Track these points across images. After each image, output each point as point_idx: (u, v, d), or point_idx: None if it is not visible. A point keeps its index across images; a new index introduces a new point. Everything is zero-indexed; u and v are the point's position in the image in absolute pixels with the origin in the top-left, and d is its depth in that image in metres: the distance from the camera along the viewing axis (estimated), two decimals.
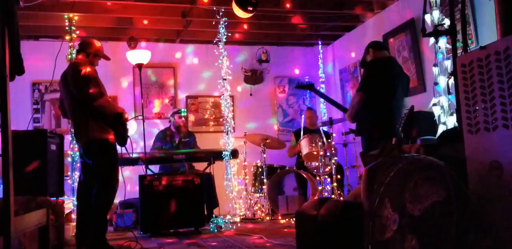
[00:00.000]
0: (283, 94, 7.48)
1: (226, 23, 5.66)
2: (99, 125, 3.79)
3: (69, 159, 5.03)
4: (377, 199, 2.00)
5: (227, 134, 5.61)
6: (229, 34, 5.77)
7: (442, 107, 4.32)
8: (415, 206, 1.77)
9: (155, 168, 5.85)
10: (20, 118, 6.03)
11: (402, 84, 4.20)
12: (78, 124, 3.86)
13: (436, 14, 4.47)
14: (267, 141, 6.03)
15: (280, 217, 5.52)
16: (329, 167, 5.49)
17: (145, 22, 6.23)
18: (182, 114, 6.12)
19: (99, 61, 4.09)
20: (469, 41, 4.30)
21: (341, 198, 4.73)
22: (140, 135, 5.85)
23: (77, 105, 3.81)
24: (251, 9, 5.20)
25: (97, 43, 4.04)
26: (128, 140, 3.99)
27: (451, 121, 4.12)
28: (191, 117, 7.12)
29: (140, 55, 5.35)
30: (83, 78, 3.74)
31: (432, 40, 4.54)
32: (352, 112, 4.24)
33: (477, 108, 1.78)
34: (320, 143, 5.47)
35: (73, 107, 3.85)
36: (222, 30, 5.68)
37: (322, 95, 5.31)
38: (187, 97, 7.16)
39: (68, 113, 3.97)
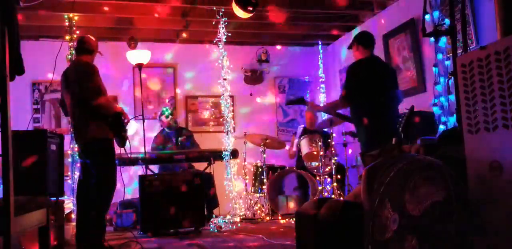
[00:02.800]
0: (283, 94, 7.48)
1: (226, 23, 5.66)
2: (99, 124, 3.79)
3: (69, 159, 5.03)
4: (377, 199, 2.00)
5: (227, 134, 5.61)
6: (229, 34, 5.76)
7: (442, 107, 4.32)
8: (415, 206, 1.77)
9: (155, 168, 5.86)
10: (20, 118, 6.03)
11: (389, 80, 4.18)
12: (77, 124, 3.86)
13: (436, 14, 4.48)
14: (267, 141, 6.03)
15: (280, 217, 5.52)
16: (329, 167, 5.49)
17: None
18: (166, 113, 6.10)
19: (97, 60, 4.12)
20: (469, 41, 4.30)
21: (341, 198, 4.73)
22: (140, 135, 5.85)
23: (77, 104, 3.81)
24: (251, 9, 5.20)
25: (94, 39, 4.07)
26: (128, 140, 3.99)
27: (451, 121, 4.13)
28: (191, 117, 7.12)
29: (140, 55, 5.36)
30: (85, 76, 3.75)
31: (432, 40, 4.54)
32: (323, 110, 4.73)
33: (477, 108, 1.78)
34: (320, 143, 5.47)
35: (73, 106, 3.85)
36: (222, 30, 5.68)
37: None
38: (187, 97, 7.16)
39: (69, 112, 3.97)
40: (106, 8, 5.69)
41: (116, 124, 3.87)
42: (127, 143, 3.99)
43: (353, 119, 4.31)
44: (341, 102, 4.24)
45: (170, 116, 6.09)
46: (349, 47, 4.41)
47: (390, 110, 4.09)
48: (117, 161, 4.03)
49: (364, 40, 4.25)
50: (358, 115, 4.18)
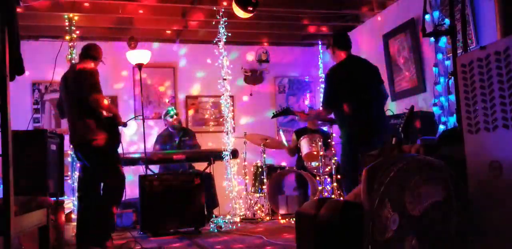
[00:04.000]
0: (283, 94, 7.48)
1: (226, 23, 5.66)
2: (94, 125, 3.80)
3: (69, 159, 5.03)
4: (377, 199, 2.00)
5: (227, 134, 5.61)
6: (229, 34, 5.76)
7: (442, 107, 4.33)
8: (415, 206, 1.77)
9: (155, 168, 5.85)
10: (20, 118, 6.02)
11: (368, 78, 4.13)
12: (73, 123, 3.88)
13: (436, 14, 4.48)
14: (267, 141, 6.03)
15: (280, 217, 5.52)
16: (329, 167, 5.49)
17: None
18: (171, 113, 6.11)
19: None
20: (469, 41, 4.30)
21: (341, 198, 4.73)
22: (140, 135, 5.85)
23: (76, 104, 3.83)
24: (251, 9, 5.19)
25: (100, 48, 4.14)
26: (123, 140, 4.03)
27: (451, 121, 4.13)
28: (191, 117, 7.12)
29: (140, 55, 5.35)
30: (85, 76, 3.79)
31: (432, 40, 4.55)
32: (310, 120, 4.99)
33: (477, 108, 1.78)
34: (320, 143, 5.47)
35: (71, 106, 3.88)
36: (222, 30, 5.68)
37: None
38: (187, 97, 7.16)
39: (66, 114, 4.00)
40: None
41: (110, 125, 3.88)
42: (121, 144, 4.01)
43: (336, 120, 4.32)
44: (323, 110, 4.25)
45: (175, 116, 6.10)
46: (326, 48, 4.36)
47: (372, 107, 4.06)
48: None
49: (339, 42, 4.16)
50: (340, 116, 4.18)
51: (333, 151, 5.51)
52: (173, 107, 6.32)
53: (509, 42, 1.67)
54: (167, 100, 7.03)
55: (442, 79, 4.40)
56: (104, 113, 3.90)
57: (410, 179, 1.85)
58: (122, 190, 3.94)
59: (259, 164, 6.06)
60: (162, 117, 6.25)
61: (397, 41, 5.68)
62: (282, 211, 5.74)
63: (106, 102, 3.82)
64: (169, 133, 6.19)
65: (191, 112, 7.14)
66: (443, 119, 4.27)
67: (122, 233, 4.92)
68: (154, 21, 6.35)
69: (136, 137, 6.64)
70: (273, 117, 5.12)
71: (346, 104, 4.02)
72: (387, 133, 3.98)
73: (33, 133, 3.96)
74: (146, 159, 5.08)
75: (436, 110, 4.36)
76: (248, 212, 5.80)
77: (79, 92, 3.77)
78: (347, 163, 4.05)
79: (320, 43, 7.20)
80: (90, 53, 4.02)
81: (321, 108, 4.30)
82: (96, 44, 4.17)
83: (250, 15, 5.32)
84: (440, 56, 4.43)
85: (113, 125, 3.91)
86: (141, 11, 5.87)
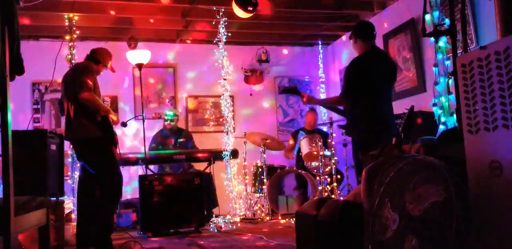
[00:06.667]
0: (283, 94, 7.48)
1: (226, 23, 5.66)
2: (89, 124, 3.80)
3: (69, 159, 5.03)
4: (377, 199, 2.00)
5: (227, 134, 5.61)
6: (229, 34, 5.76)
7: (442, 107, 4.32)
8: (415, 206, 1.77)
9: (154, 168, 5.85)
10: (20, 118, 6.03)
11: (384, 75, 3.97)
12: (69, 122, 3.89)
13: (436, 14, 4.47)
14: (267, 141, 6.03)
15: (280, 217, 5.52)
16: (329, 167, 5.49)
17: (151, 20, 6.22)
18: (167, 117, 6.11)
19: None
20: (469, 41, 4.30)
21: (341, 198, 4.73)
22: (139, 136, 5.85)
23: (71, 102, 3.84)
24: (251, 9, 5.20)
25: (109, 54, 4.19)
26: (123, 140, 4.02)
27: (451, 121, 4.13)
28: (191, 117, 7.12)
29: (140, 55, 5.36)
30: (79, 73, 3.82)
31: (432, 40, 4.54)
32: (319, 104, 4.91)
33: (477, 108, 1.78)
34: (320, 143, 5.47)
35: (68, 104, 3.89)
36: (222, 30, 5.68)
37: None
38: (187, 97, 7.16)
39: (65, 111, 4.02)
40: (112, 12, 5.70)
41: (105, 124, 3.88)
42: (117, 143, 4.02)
43: (346, 112, 4.20)
44: (342, 97, 4.00)
45: (168, 121, 6.10)
46: (350, 38, 4.14)
47: (385, 104, 4.02)
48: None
49: (362, 33, 3.94)
50: (351, 109, 4.09)
51: (333, 151, 5.51)
52: (171, 111, 6.28)
53: (509, 42, 1.67)
54: (167, 100, 7.03)
55: (442, 79, 4.39)
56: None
57: (410, 179, 1.85)
58: (120, 190, 3.94)
59: (259, 164, 6.07)
60: (162, 117, 6.26)
61: (397, 41, 5.68)
62: (282, 211, 5.74)
63: (94, 101, 3.77)
64: (164, 134, 6.21)
65: (191, 112, 7.14)
66: (443, 119, 4.26)
67: (122, 233, 4.91)
68: (154, 21, 6.35)
69: (136, 137, 6.64)
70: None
71: (361, 100, 3.93)
72: (395, 132, 3.92)
73: (33, 133, 3.96)
74: (146, 159, 5.08)
75: (436, 110, 4.36)
76: (248, 212, 5.80)
77: (72, 90, 3.79)
78: (355, 160, 4.04)
79: (320, 43, 7.20)
80: (94, 56, 4.08)
81: (339, 96, 4.05)
82: (104, 49, 4.22)
83: (250, 15, 5.32)
84: (440, 56, 4.42)
85: (108, 124, 3.91)
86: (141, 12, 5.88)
